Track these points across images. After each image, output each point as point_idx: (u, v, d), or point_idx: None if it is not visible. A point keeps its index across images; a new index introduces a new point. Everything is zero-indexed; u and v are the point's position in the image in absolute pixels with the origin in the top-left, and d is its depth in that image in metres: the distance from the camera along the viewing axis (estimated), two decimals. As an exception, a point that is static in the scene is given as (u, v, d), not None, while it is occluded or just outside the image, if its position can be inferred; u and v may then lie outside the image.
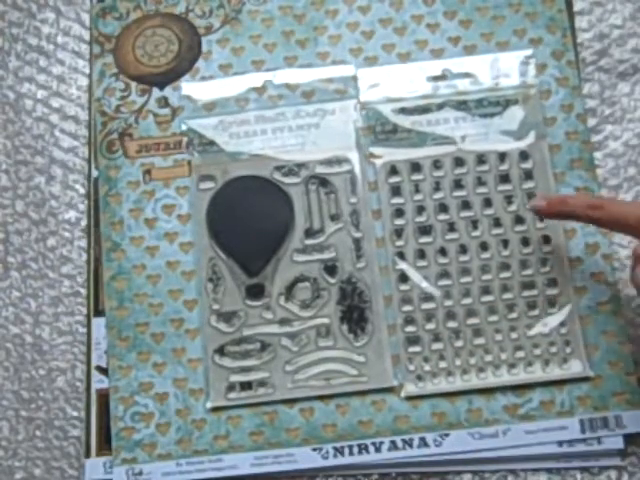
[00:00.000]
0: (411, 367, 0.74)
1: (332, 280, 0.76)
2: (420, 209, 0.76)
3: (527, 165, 0.77)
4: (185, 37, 0.81)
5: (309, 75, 0.80)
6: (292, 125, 0.79)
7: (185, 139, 0.79)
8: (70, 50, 0.83)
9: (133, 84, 0.81)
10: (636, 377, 0.73)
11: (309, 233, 0.76)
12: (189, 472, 0.73)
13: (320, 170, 0.78)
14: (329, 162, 0.78)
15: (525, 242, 0.75)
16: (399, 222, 0.76)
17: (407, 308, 0.75)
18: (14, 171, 0.81)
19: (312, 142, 0.78)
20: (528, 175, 0.76)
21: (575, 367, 0.73)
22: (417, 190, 0.77)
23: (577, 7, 0.81)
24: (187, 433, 0.74)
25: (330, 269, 0.76)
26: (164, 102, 0.80)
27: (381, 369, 0.74)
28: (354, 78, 0.80)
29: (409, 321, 0.74)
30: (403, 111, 0.78)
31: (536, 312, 0.74)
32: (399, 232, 0.76)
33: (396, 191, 0.77)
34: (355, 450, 0.73)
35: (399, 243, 0.76)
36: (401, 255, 0.75)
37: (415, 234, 0.76)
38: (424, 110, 0.78)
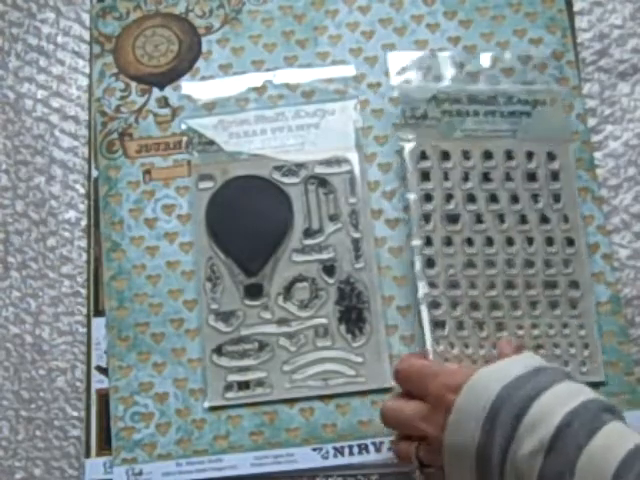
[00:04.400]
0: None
1: (331, 280, 0.75)
2: (449, 197, 0.76)
3: (554, 166, 0.76)
4: (185, 37, 0.81)
5: (309, 75, 0.80)
6: (292, 125, 0.79)
7: (185, 138, 0.79)
8: (70, 50, 0.83)
9: (133, 84, 0.81)
10: (636, 377, 0.73)
11: (308, 233, 0.76)
12: (189, 472, 0.73)
13: (319, 170, 0.78)
14: (328, 162, 0.78)
15: (549, 242, 0.75)
16: (427, 207, 0.75)
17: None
18: (14, 171, 0.81)
19: (311, 142, 0.78)
20: (554, 176, 0.76)
21: (593, 374, 0.73)
22: (446, 178, 0.76)
23: (577, 7, 0.81)
24: (187, 433, 0.73)
25: (329, 269, 0.75)
26: (164, 102, 0.80)
27: (379, 370, 0.74)
28: (355, 78, 0.80)
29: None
30: (434, 99, 0.78)
31: (558, 312, 0.74)
32: (427, 217, 0.75)
33: (425, 176, 0.76)
34: (355, 450, 0.73)
35: (427, 228, 0.75)
36: (429, 240, 0.75)
37: (443, 221, 0.75)
38: (455, 101, 0.78)
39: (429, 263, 0.75)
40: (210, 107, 0.79)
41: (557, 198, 0.76)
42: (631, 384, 0.73)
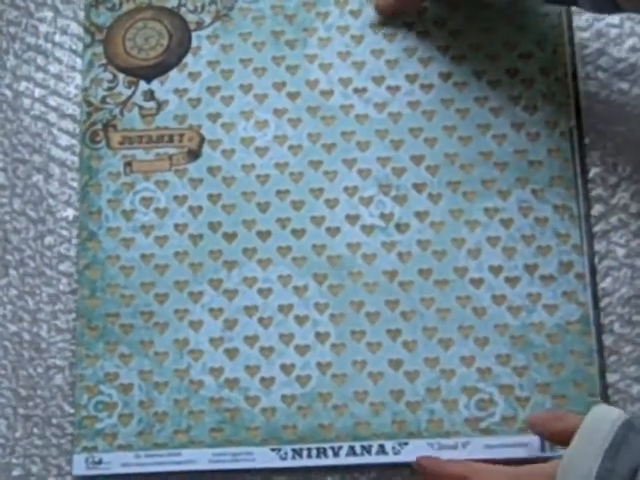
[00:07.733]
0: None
1: None
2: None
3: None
4: (176, 31, 0.81)
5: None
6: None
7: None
8: (67, 48, 0.84)
9: (121, 76, 0.81)
10: (599, 399, 0.71)
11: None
12: (147, 464, 0.73)
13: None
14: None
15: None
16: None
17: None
18: (12, 169, 0.82)
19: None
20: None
21: None
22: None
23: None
24: (148, 425, 0.74)
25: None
26: (150, 95, 0.80)
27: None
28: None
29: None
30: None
31: None
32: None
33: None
34: (314, 453, 0.72)
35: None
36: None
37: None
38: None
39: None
40: (195, 104, 0.80)
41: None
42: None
